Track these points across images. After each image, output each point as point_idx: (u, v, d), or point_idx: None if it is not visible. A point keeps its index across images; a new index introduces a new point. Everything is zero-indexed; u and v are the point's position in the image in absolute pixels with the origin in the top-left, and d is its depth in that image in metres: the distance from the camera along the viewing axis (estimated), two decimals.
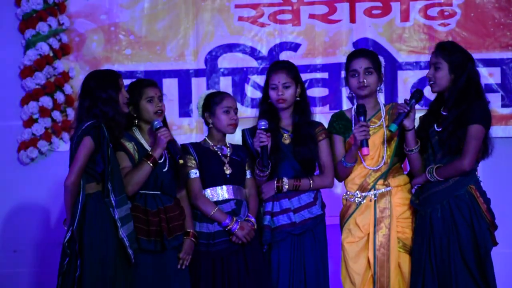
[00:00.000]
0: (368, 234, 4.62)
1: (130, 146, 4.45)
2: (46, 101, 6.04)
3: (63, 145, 6.04)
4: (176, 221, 4.45)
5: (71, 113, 6.05)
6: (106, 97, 4.26)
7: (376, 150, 4.66)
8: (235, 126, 4.73)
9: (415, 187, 4.62)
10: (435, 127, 4.53)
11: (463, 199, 4.44)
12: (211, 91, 4.93)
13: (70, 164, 4.20)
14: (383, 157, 4.67)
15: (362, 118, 4.58)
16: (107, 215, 4.21)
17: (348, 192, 4.72)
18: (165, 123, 4.54)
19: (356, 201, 4.67)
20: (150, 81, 4.64)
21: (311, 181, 4.71)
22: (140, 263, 4.33)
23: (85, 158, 4.18)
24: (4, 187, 6.05)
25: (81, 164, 4.17)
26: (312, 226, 4.69)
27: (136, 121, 4.53)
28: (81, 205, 4.17)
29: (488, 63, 6.02)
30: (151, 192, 4.44)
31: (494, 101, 5.72)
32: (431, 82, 4.57)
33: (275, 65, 4.86)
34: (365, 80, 4.65)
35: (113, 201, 4.21)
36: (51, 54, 6.10)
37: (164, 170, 4.48)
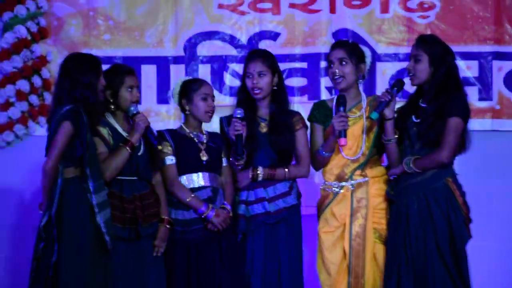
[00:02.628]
0: (345, 224, 4.63)
1: (104, 131, 4.42)
2: (23, 84, 5.98)
3: (39, 130, 5.99)
4: (152, 208, 4.44)
5: (48, 97, 5.99)
6: (87, 82, 4.23)
7: (355, 141, 4.67)
8: (211, 114, 4.72)
9: (391, 178, 4.63)
10: (413, 119, 4.54)
11: (440, 191, 4.46)
12: (187, 77, 4.92)
13: (48, 148, 4.17)
14: (361, 148, 4.67)
15: (341, 109, 4.58)
16: (85, 200, 4.18)
17: (326, 182, 4.72)
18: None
19: (334, 191, 4.68)
20: (130, 68, 4.59)
21: (286, 171, 4.71)
22: (116, 250, 4.30)
23: (64, 143, 4.15)
24: None
25: (60, 149, 4.14)
26: (286, 216, 4.69)
27: (112, 107, 4.49)
28: (59, 190, 4.14)
29: (466, 56, 6.02)
30: (127, 178, 4.42)
31: (472, 94, 5.71)
32: (411, 75, 4.57)
33: (251, 53, 4.86)
34: (337, 70, 4.65)
35: (91, 187, 4.19)
36: (29, 38, 6.03)
37: (139, 154, 4.46)
